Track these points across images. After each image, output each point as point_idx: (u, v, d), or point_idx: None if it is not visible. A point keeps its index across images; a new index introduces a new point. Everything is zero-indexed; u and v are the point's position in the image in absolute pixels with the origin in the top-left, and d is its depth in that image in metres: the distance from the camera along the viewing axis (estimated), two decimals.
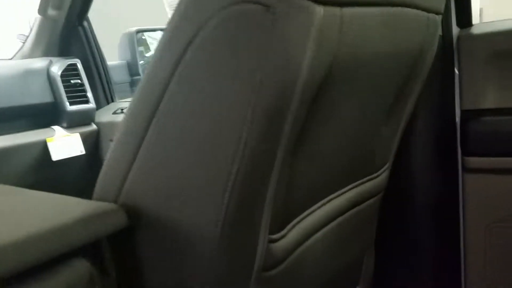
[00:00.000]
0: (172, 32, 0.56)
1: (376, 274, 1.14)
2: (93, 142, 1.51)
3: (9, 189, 0.72)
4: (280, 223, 0.68)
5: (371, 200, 0.96)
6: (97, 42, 1.58)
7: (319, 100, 0.61)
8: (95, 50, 1.57)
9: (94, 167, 1.50)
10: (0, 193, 0.70)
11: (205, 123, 0.55)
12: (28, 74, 1.40)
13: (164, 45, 0.57)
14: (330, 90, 0.62)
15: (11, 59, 1.58)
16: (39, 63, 1.44)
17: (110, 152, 0.65)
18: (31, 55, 1.54)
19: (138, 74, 1.78)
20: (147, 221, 0.62)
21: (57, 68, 1.43)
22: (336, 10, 0.54)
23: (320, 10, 0.52)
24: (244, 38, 0.51)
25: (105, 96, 1.61)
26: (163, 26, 0.59)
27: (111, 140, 0.90)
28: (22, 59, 1.54)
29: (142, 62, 1.78)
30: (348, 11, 0.56)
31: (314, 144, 0.68)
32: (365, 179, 0.91)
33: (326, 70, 0.57)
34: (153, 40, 1.89)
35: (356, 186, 0.88)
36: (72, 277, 0.56)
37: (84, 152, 1.46)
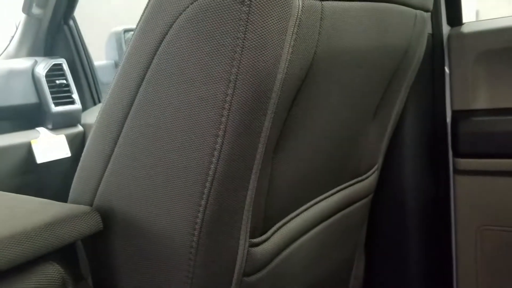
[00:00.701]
0: (145, 26, 0.54)
1: (366, 278, 1.12)
2: (79, 144, 1.48)
3: None
4: (263, 226, 0.66)
5: (360, 203, 0.94)
6: (83, 41, 1.56)
7: (302, 96, 0.59)
8: (81, 50, 1.54)
9: None
10: None
11: (179, 121, 0.53)
12: (12, 74, 1.37)
13: (137, 39, 0.55)
14: (313, 86, 0.60)
15: None
16: (23, 63, 1.42)
17: (84, 154, 0.63)
18: (16, 55, 1.52)
19: None
20: (122, 224, 0.60)
21: (42, 68, 1.40)
22: (316, 3, 0.52)
23: (298, 3, 0.50)
24: (218, 31, 0.49)
25: (91, 97, 1.58)
26: None
27: None
28: (7, 59, 1.51)
29: None
30: (329, 4, 0.54)
31: (297, 143, 0.65)
32: (353, 181, 0.89)
33: (306, 65, 0.55)
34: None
35: (343, 189, 0.86)
36: (44, 281, 0.54)
37: (69, 155, 1.43)
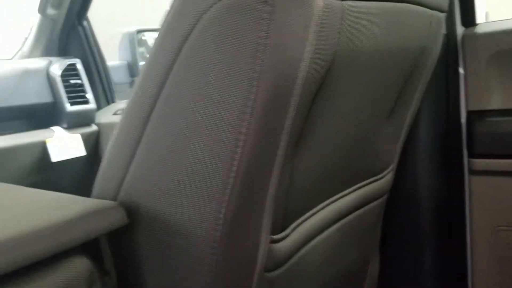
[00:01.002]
0: (168, 27, 0.55)
1: (381, 278, 1.12)
2: (93, 143, 1.49)
3: (6, 187, 0.71)
4: (282, 223, 0.67)
5: (376, 202, 0.94)
6: (96, 41, 1.57)
7: (321, 95, 0.60)
8: (95, 50, 1.56)
9: (95, 168, 1.48)
10: None
11: (203, 119, 0.54)
12: (28, 74, 1.39)
13: (161, 40, 0.56)
14: (332, 85, 0.60)
15: (11, 59, 1.57)
16: (38, 63, 1.43)
17: (108, 149, 0.64)
18: (30, 55, 1.53)
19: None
20: (146, 219, 0.61)
21: (57, 68, 1.42)
22: (337, 2, 0.53)
23: (320, 2, 0.51)
24: (241, 31, 0.49)
25: (105, 97, 1.60)
26: None
27: None
28: (22, 59, 1.53)
29: (142, 63, 1.76)
30: (349, 4, 0.55)
31: (316, 141, 0.66)
32: (369, 181, 0.90)
33: (327, 64, 0.56)
34: (154, 40, 1.87)
35: (360, 188, 0.87)
36: (71, 274, 0.55)
37: (85, 153, 1.44)
